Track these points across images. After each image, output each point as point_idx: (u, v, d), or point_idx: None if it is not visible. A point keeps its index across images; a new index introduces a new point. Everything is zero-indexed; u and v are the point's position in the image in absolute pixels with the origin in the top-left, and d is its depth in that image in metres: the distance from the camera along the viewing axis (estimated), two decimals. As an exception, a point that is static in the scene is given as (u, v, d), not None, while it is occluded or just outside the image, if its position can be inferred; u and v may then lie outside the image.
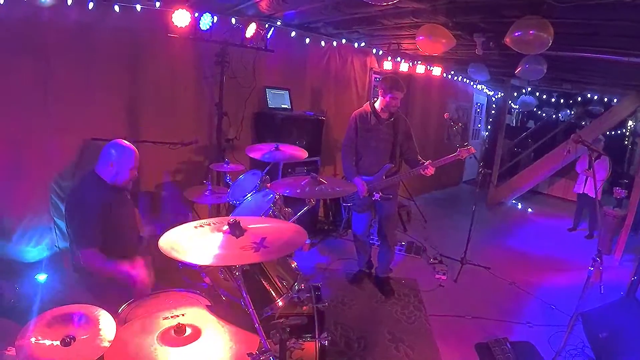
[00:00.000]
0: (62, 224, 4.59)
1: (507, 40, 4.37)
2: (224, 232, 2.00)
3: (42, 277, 4.49)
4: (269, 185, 3.42)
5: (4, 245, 4.42)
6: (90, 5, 4.45)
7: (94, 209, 3.02)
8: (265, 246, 1.94)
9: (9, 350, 2.02)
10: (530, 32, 4.12)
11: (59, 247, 4.77)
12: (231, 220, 2.01)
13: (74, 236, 3.05)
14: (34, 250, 4.65)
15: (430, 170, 4.51)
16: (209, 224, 2.14)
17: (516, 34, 4.23)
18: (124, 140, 3.29)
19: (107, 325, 1.89)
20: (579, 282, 5.34)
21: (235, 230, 1.99)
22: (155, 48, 5.05)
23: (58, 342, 1.75)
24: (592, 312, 4.16)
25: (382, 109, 4.60)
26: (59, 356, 1.72)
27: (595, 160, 3.46)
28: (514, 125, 15.41)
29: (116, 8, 4.61)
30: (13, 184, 4.39)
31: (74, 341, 1.77)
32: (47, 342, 1.76)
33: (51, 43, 4.37)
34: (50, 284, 4.48)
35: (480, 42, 5.39)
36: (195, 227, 2.13)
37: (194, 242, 1.97)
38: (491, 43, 5.43)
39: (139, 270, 2.95)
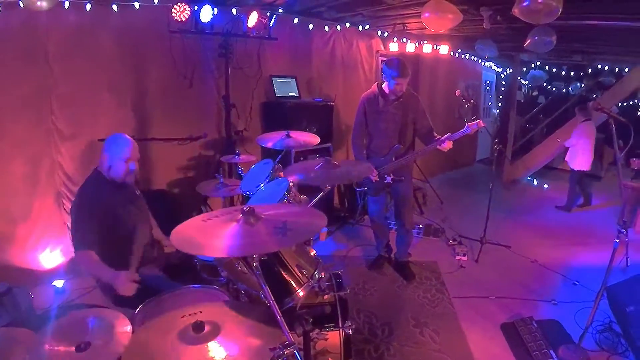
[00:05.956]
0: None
1: (516, 10, 4.25)
2: (240, 222, 1.93)
3: (59, 283, 4.49)
4: (281, 173, 3.35)
5: (19, 253, 4.42)
6: (88, 6, 4.42)
7: (90, 209, 2.94)
8: (290, 229, 1.88)
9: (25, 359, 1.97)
10: (539, 0, 4.01)
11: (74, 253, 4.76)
12: (245, 208, 1.94)
13: (72, 237, 2.98)
14: (50, 257, 4.64)
15: (448, 145, 4.42)
16: (217, 216, 2.07)
17: (524, 3, 4.11)
18: (122, 134, 3.23)
19: (122, 328, 1.83)
20: (600, 256, 5.29)
21: (251, 218, 1.92)
22: (156, 45, 5.02)
23: (73, 349, 1.70)
24: (617, 286, 4.06)
25: (389, 91, 4.52)
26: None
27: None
28: (523, 101, 15.20)
29: (114, 7, 4.58)
30: (25, 191, 4.40)
31: (89, 347, 1.72)
32: (62, 349, 1.71)
33: (52, 48, 4.38)
34: (67, 289, 4.48)
35: (487, 16, 5.29)
36: (204, 220, 2.06)
37: (210, 235, 1.90)
38: (498, 16, 5.33)
39: (119, 277, 2.72)
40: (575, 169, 7.86)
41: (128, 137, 3.19)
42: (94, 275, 2.92)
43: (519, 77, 11.62)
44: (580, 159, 7.81)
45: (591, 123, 7.90)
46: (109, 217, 3.00)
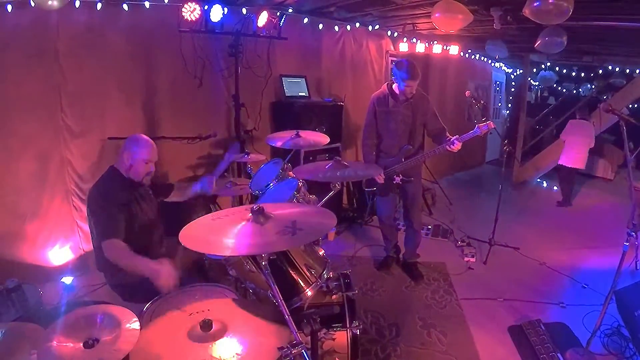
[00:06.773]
0: (85, 226, 4.60)
1: (526, 11, 4.24)
2: (249, 221, 1.93)
3: (67, 280, 4.51)
4: (291, 172, 3.36)
5: (28, 250, 4.44)
6: (99, 5, 4.44)
7: (113, 201, 2.97)
8: (299, 229, 1.88)
9: (32, 354, 1.98)
10: (550, 1, 3.99)
11: (83, 249, 4.78)
12: (255, 207, 1.95)
13: (97, 229, 2.98)
14: (59, 254, 4.67)
15: (457, 146, 4.39)
16: (226, 215, 2.08)
17: (535, 4, 4.11)
18: (142, 134, 3.26)
19: (131, 325, 1.83)
20: (609, 259, 5.24)
21: (260, 217, 1.92)
22: (167, 44, 5.02)
23: (81, 345, 1.70)
24: (626, 290, 4.03)
25: (399, 92, 4.51)
26: (81, 359, 1.67)
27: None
28: (533, 102, 15.09)
29: (125, 7, 4.60)
30: (34, 188, 4.42)
31: (97, 343, 1.71)
32: (70, 345, 1.71)
33: (62, 47, 4.39)
34: (75, 285, 4.50)
35: (497, 16, 5.26)
36: (213, 219, 2.07)
37: (219, 234, 1.91)
38: (509, 17, 5.30)
39: (164, 266, 2.76)
40: (558, 162, 7.94)
41: (148, 138, 3.24)
42: (126, 265, 2.81)
43: (529, 78, 11.57)
44: (565, 155, 7.89)
45: (581, 121, 7.98)
46: (126, 213, 3.03)
